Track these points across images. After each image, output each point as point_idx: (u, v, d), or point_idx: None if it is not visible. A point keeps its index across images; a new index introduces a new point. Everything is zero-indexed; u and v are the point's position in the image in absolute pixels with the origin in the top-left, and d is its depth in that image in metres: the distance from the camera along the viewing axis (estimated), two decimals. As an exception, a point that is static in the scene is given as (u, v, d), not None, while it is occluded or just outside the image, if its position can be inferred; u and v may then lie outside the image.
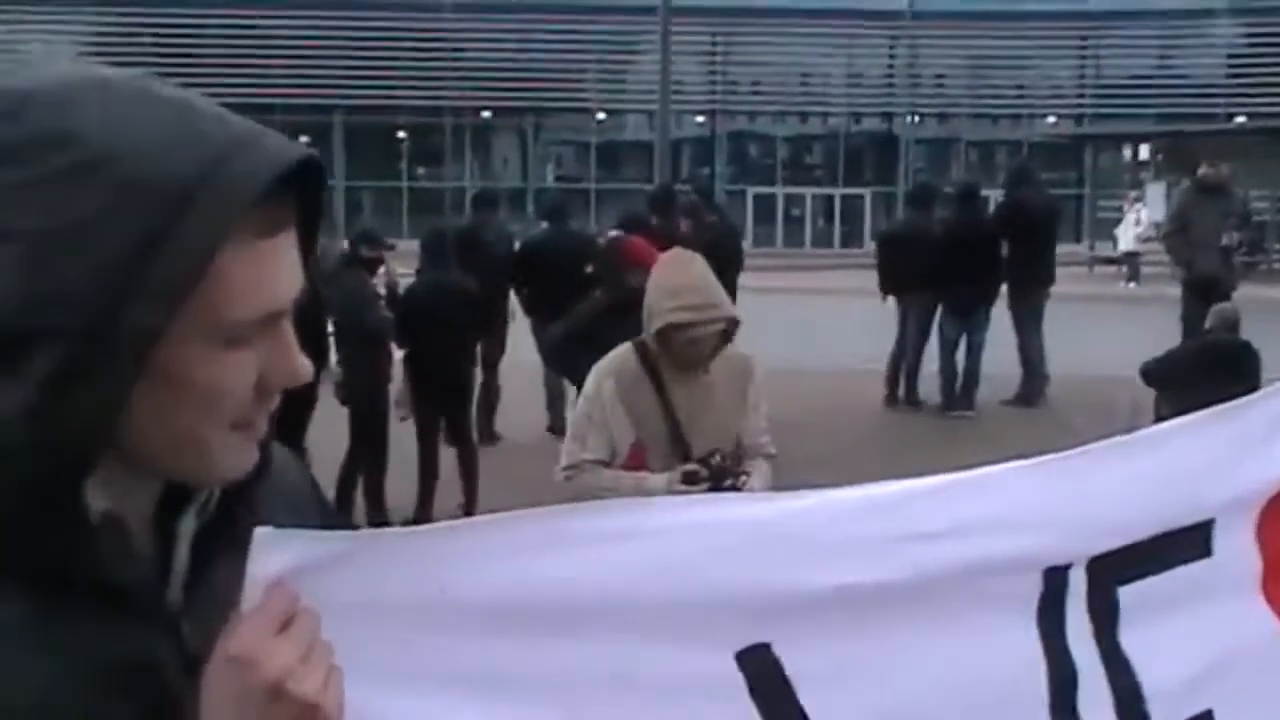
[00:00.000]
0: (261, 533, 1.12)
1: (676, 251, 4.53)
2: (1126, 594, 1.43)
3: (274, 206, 1.07)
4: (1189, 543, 1.44)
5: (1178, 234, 12.12)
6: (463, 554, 1.24)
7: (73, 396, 0.99)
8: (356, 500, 8.65)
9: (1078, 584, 1.41)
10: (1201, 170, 12.49)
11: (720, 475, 4.08)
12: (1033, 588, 1.40)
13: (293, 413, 7.36)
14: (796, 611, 1.34)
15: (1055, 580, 1.40)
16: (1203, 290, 11.23)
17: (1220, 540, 1.45)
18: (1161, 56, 47.53)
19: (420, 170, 49.83)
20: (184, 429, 1.08)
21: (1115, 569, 1.42)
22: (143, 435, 1.06)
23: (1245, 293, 12.35)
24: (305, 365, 1.13)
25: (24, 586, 1.04)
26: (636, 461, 4.24)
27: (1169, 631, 1.44)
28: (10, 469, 1.01)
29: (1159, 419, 9.00)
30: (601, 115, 48.87)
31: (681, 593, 1.31)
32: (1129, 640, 1.43)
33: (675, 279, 4.19)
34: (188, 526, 1.17)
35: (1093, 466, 1.43)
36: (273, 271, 1.08)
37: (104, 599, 1.07)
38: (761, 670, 1.34)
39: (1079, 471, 1.42)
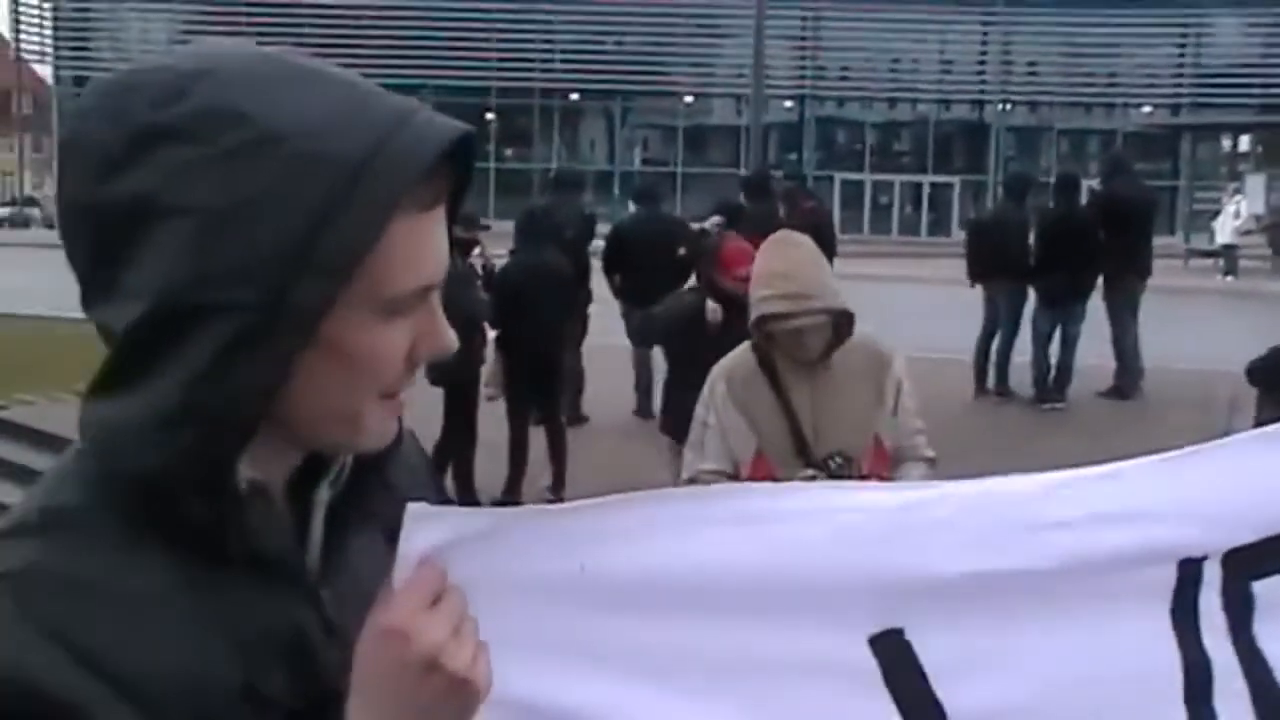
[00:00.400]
0: (414, 508, 1.15)
1: (783, 234, 4.15)
2: (1261, 589, 1.40)
3: (433, 181, 1.08)
4: None
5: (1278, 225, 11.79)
6: (602, 533, 1.25)
7: (240, 367, 1.01)
8: (446, 481, 8.73)
9: (1212, 577, 1.38)
10: None
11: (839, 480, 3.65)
12: (1167, 579, 1.38)
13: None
14: (929, 598, 1.33)
15: (1190, 572, 1.38)
16: None
17: None
18: (1264, 44, 46.52)
19: (508, 151, 50.08)
20: (340, 397, 1.10)
21: (1250, 563, 1.39)
22: (300, 404, 1.08)
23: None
24: (453, 337, 1.15)
25: (175, 554, 1.06)
26: (762, 474, 3.81)
27: None
28: (171, 436, 1.03)
29: (1260, 419, 8.86)
30: (689, 99, 48.79)
31: (814, 576, 1.31)
32: (1265, 635, 1.41)
33: (773, 264, 3.91)
34: (323, 496, 1.19)
35: (1229, 460, 1.41)
36: (432, 245, 1.11)
37: (252, 568, 1.09)
38: (895, 656, 1.34)
39: (1215, 464, 1.40)
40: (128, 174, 1.02)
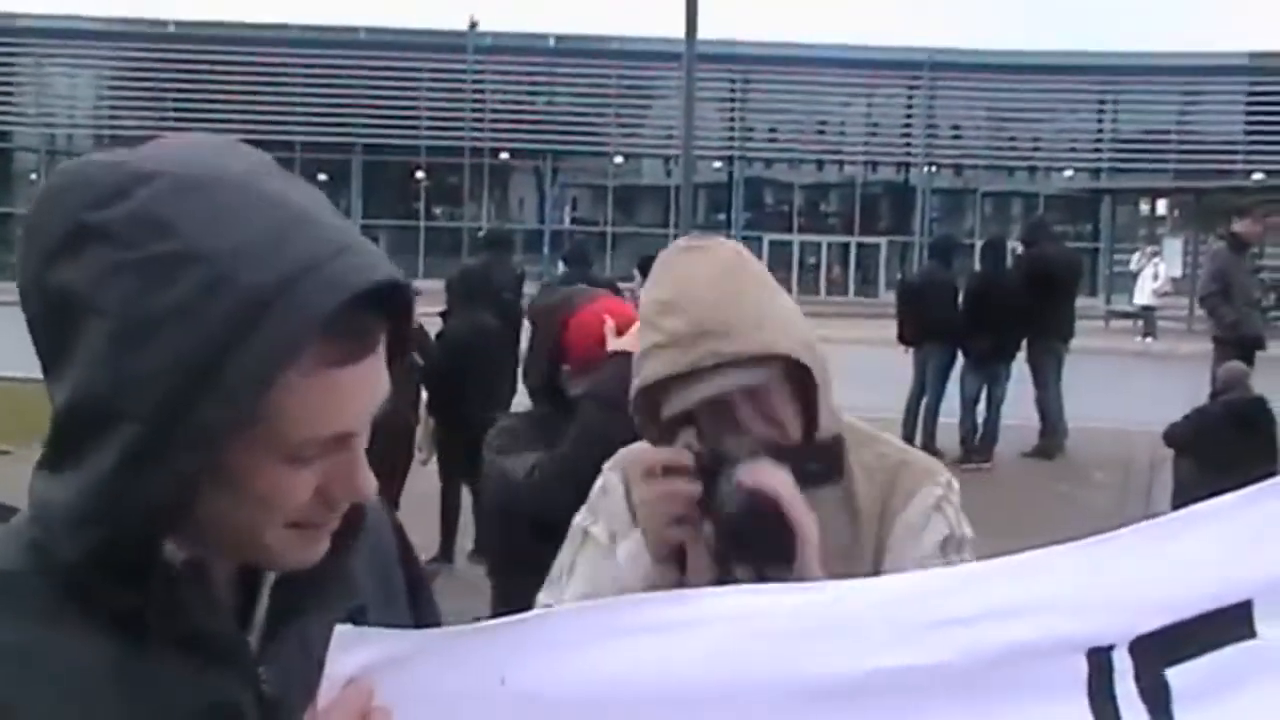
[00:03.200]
0: (340, 631, 1.17)
1: (684, 241, 2.12)
2: (1175, 675, 1.41)
3: (354, 333, 1.07)
4: (1232, 622, 1.42)
5: (1220, 295, 11.93)
6: (524, 646, 1.29)
7: (139, 480, 1.02)
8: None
9: (1123, 665, 1.39)
10: (1236, 227, 12.40)
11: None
12: (1078, 670, 1.39)
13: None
14: (843, 697, 1.34)
15: (1100, 661, 1.39)
16: (1246, 348, 11.13)
17: (1262, 622, 1.42)
18: (1180, 112, 47.61)
19: (437, 210, 50.03)
20: (243, 526, 1.10)
21: (1161, 650, 1.40)
22: (209, 523, 1.09)
23: (1269, 350, 12.32)
24: (370, 484, 1.15)
25: (111, 633, 1.06)
26: None
27: (1224, 715, 1.41)
28: (86, 531, 1.04)
29: (1179, 478, 9.01)
30: (619, 159, 49.07)
31: (733, 681, 1.34)
32: None
33: (657, 291, 1.98)
34: (269, 575, 1.20)
35: (1132, 546, 1.43)
36: (346, 399, 1.09)
37: (185, 647, 1.09)
38: None
39: (1118, 551, 1.42)
40: (63, 266, 1.03)
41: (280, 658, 1.17)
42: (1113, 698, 1.38)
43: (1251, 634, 1.42)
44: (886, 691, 1.34)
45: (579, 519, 2.15)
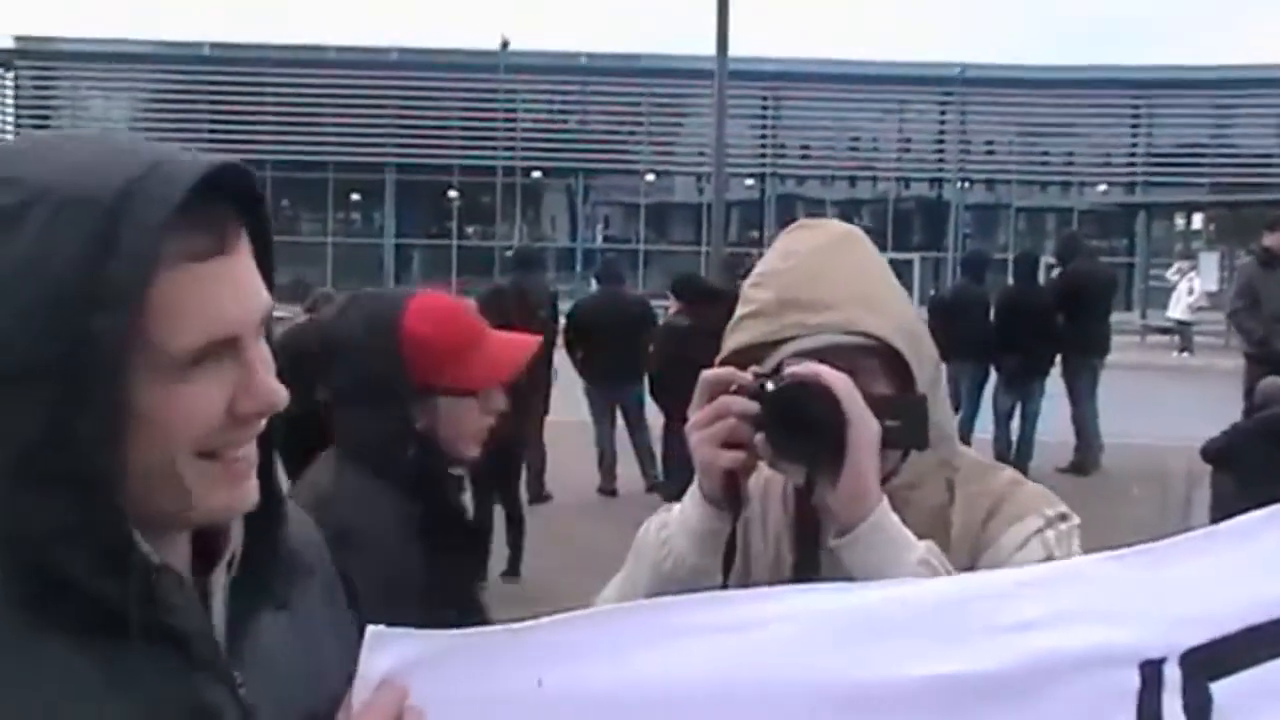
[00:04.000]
0: (373, 631, 1.18)
1: (803, 220, 2.11)
2: (1220, 690, 1.39)
3: (209, 225, 1.08)
4: (1273, 638, 1.40)
5: (1247, 310, 11.85)
6: (560, 649, 1.28)
7: (74, 423, 1.01)
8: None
9: (1173, 679, 1.38)
10: (1266, 240, 12.28)
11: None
12: (1130, 682, 1.37)
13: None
14: (889, 703, 1.33)
15: (1151, 674, 1.38)
16: (1275, 362, 11.02)
17: None
18: (1215, 125, 47.34)
19: (470, 229, 50.20)
20: (157, 463, 1.08)
21: (1207, 663, 1.39)
22: (133, 478, 1.07)
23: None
24: (279, 389, 1.13)
25: (92, 634, 1.06)
26: None
27: None
28: (59, 511, 1.03)
29: (1217, 493, 8.94)
30: (651, 177, 49.14)
31: (777, 686, 1.32)
32: None
33: (769, 261, 1.97)
34: (220, 580, 1.19)
35: (1183, 556, 1.41)
36: (219, 296, 1.08)
37: (169, 646, 1.09)
38: None
39: (1169, 561, 1.41)
40: None
41: (249, 657, 1.17)
42: (1158, 712, 1.37)
43: None
44: (935, 699, 1.33)
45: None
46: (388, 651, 1.18)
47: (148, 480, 1.09)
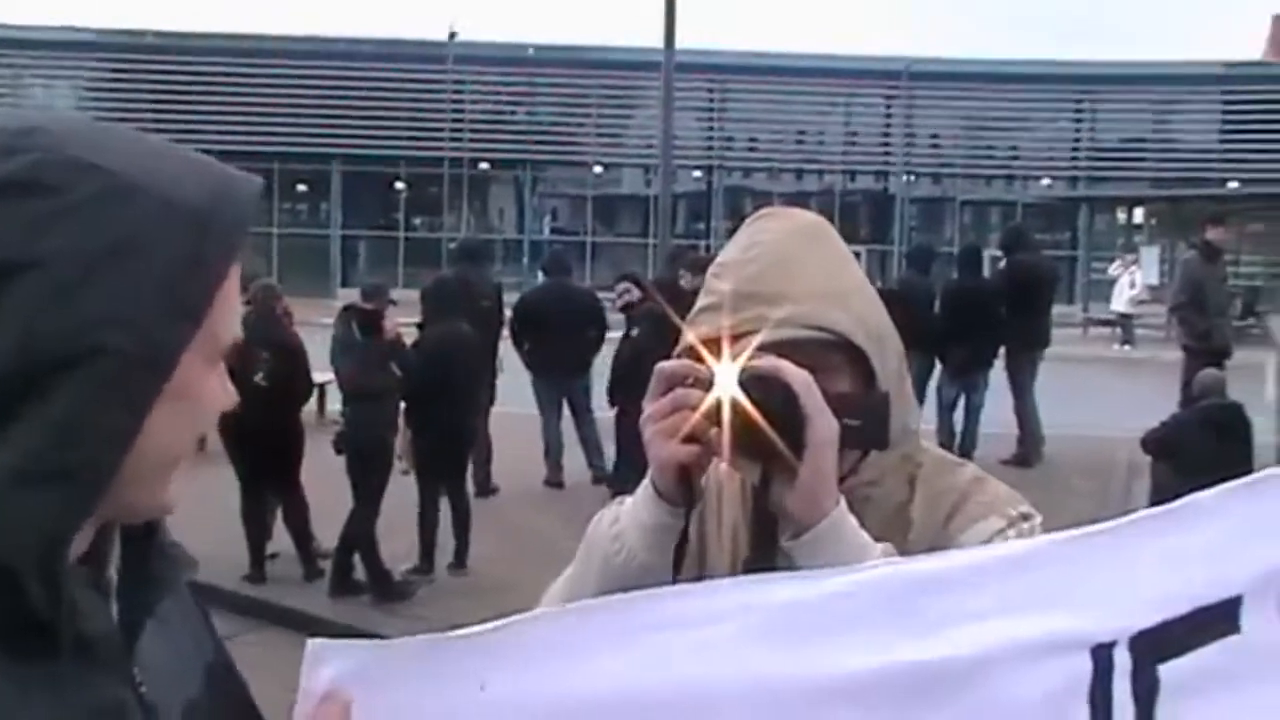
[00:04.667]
0: (314, 644, 1.20)
1: (768, 209, 2.05)
2: (1166, 672, 1.39)
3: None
4: (1221, 617, 1.40)
5: (1190, 303, 12.03)
6: (504, 652, 1.27)
7: (101, 414, 1.02)
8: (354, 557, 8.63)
9: (1123, 662, 1.38)
10: (1208, 235, 12.46)
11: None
12: (1083, 668, 1.37)
13: (282, 457, 7.19)
14: (842, 696, 1.32)
15: (1103, 659, 1.37)
16: (1215, 356, 11.20)
17: (1247, 618, 1.40)
18: (1156, 121, 47.84)
19: (417, 221, 49.95)
20: (177, 447, 1.11)
21: (1156, 646, 1.38)
22: (140, 454, 1.07)
23: (1238, 357, 12.39)
24: (235, 394, 1.19)
25: (5, 640, 1.03)
26: None
27: (1202, 712, 1.40)
28: (29, 496, 1.00)
29: (1156, 483, 9.07)
30: (598, 169, 49.09)
31: (725, 682, 1.30)
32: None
33: (728, 251, 1.88)
34: (112, 576, 1.18)
35: (1131, 539, 1.41)
36: (238, 296, 1.16)
37: (78, 652, 1.07)
38: None
39: (1122, 543, 1.40)
40: None
41: (147, 657, 1.16)
42: (1109, 696, 1.37)
43: (1235, 629, 1.40)
44: (888, 690, 1.32)
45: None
46: (329, 664, 1.19)
47: (155, 470, 1.10)
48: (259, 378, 8.32)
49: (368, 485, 8.43)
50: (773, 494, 1.59)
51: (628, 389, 8.25)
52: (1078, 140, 48.53)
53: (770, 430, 1.53)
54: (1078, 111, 48.28)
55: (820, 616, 1.33)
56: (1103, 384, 19.70)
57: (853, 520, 1.59)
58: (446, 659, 1.26)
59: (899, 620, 1.34)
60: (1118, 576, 1.39)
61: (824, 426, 1.55)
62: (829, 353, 1.71)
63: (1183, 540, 1.40)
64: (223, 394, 1.16)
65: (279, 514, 9.20)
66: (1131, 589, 1.39)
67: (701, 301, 1.80)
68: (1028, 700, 1.35)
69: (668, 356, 1.66)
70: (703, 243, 40.60)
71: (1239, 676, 1.40)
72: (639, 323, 10.23)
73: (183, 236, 1.05)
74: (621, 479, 6.87)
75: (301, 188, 48.94)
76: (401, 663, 1.23)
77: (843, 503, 1.59)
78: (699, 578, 1.73)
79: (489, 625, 1.28)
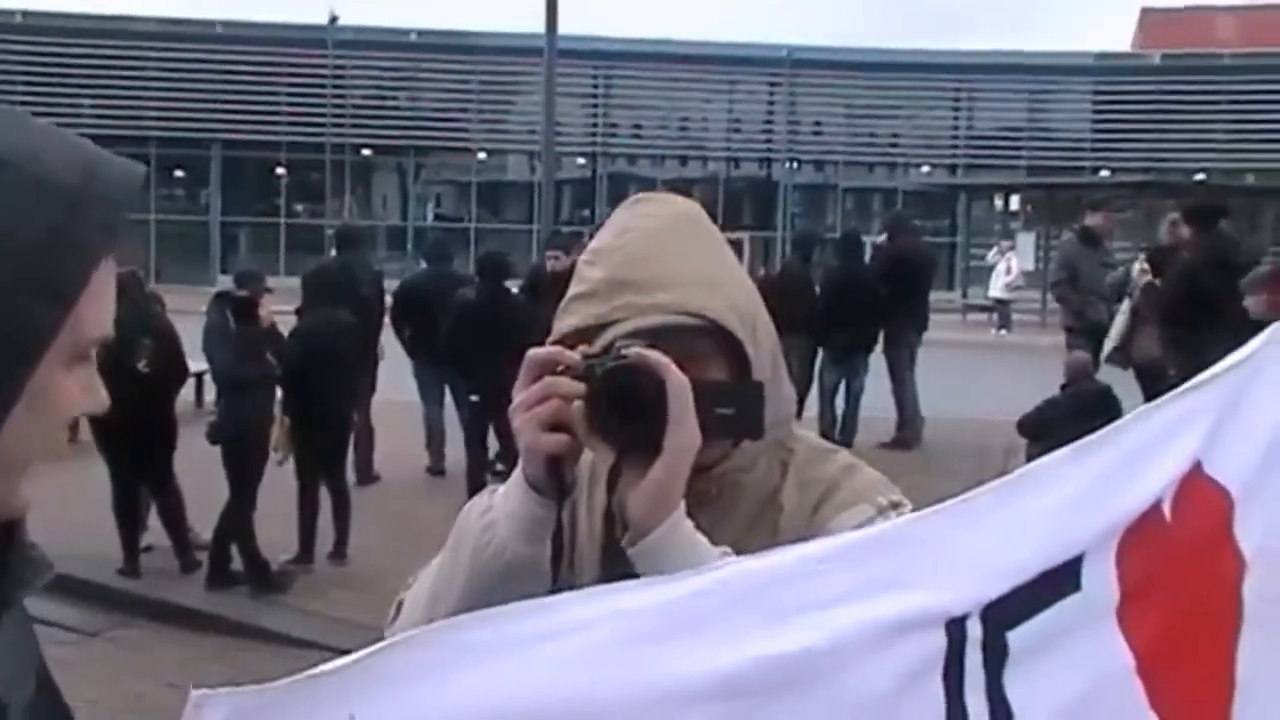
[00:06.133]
0: (195, 696, 1.20)
1: (642, 195, 2.04)
2: (1014, 638, 1.41)
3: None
4: (1063, 578, 1.43)
5: (1067, 283, 12.37)
6: (372, 680, 1.27)
7: None
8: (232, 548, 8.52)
9: (975, 634, 1.39)
10: (1088, 220, 12.82)
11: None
12: (939, 644, 1.38)
13: (156, 448, 7.06)
14: (704, 696, 1.32)
15: (956, 632, 1.39)
16: (1092, 337, 11.49)
17: (1087, 573, 1.43)
18: (1030, 110, 48.75)
19: (299, 207, 49.26)
20: (27, 448, 1.07)
21: (1005, 613, 1.40)
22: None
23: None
24: (106, 395, 1.14)
25: None
26: None
27: (1044, 672, 1.42)
28: None
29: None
30: (482, 155, 48.80)
31: (593, 688, 1.31)
32: (1012, 686, 1.41)
33: (599, 239, 1.89)
34: None
35: (985, 509, 1.42)
36: (110, 291, 1.10)
37: None
38: None
39: (972, 515, 1.41)
40: None
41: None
42: (961, 671, 1.39)
43: (1076, 587, 1.43)
44: (749, 685, 1.33)
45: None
46: (212, 714, 1.19)
47: (14, 466, 1.07)
48: (141, 365, 8.18)
49: (243, 475, 8.33)
50: (620, 486, 1.57)
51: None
52: (956, 129, 49.28)
53: (632, 421, 1.51)
54: (956, 101, 49.01)
55: (674, 619, 1.33)
56: (981, 368, 20.06)
57: (688, 528, 1.56)
58: (323, 693, 1.26)
59: (757, 614, 1.34)
60: (968, 549, 1.40)
61: (685, 435, 1.53)
62: (701, 340, 1.69)
63: (1031, 505, 1.42)
64: (86, 397, 1.10)
65: (153, 506, 9.04)
66: (982, 560, 1.40)
67: (574, 289, 1.78)
68: (885, 681, 1.36)
69: (540, 344, 1.64)
70: (587, 229, 40.54)
71: (1075, 630, 1.43)
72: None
73: (51, 214, 1.00)
74: (509, 466, 6.87)
75: (180, 173, 48.01)
76: (282, 704, 1.24)
77: (681, 508, 1.56)
78: (572, 569, 1.73)
79: (357, 655, 1.28)
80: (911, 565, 1.39)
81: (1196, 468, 1.47)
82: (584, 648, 1.30)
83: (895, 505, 1.74)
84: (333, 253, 13.25)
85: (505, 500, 1.63)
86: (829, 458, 1.85)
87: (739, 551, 1.56)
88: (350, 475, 9.54)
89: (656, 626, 1.33)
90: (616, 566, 1.63)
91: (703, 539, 1.56)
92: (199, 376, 11.97)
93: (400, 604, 1.81)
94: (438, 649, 1.30)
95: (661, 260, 1.73)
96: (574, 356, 1.57)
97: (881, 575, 1.37)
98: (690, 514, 1.57)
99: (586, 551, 1.79)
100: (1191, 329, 9.08)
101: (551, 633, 1.31)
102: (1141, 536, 1.44)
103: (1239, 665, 1.46)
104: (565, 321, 1.74)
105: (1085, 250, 12.50)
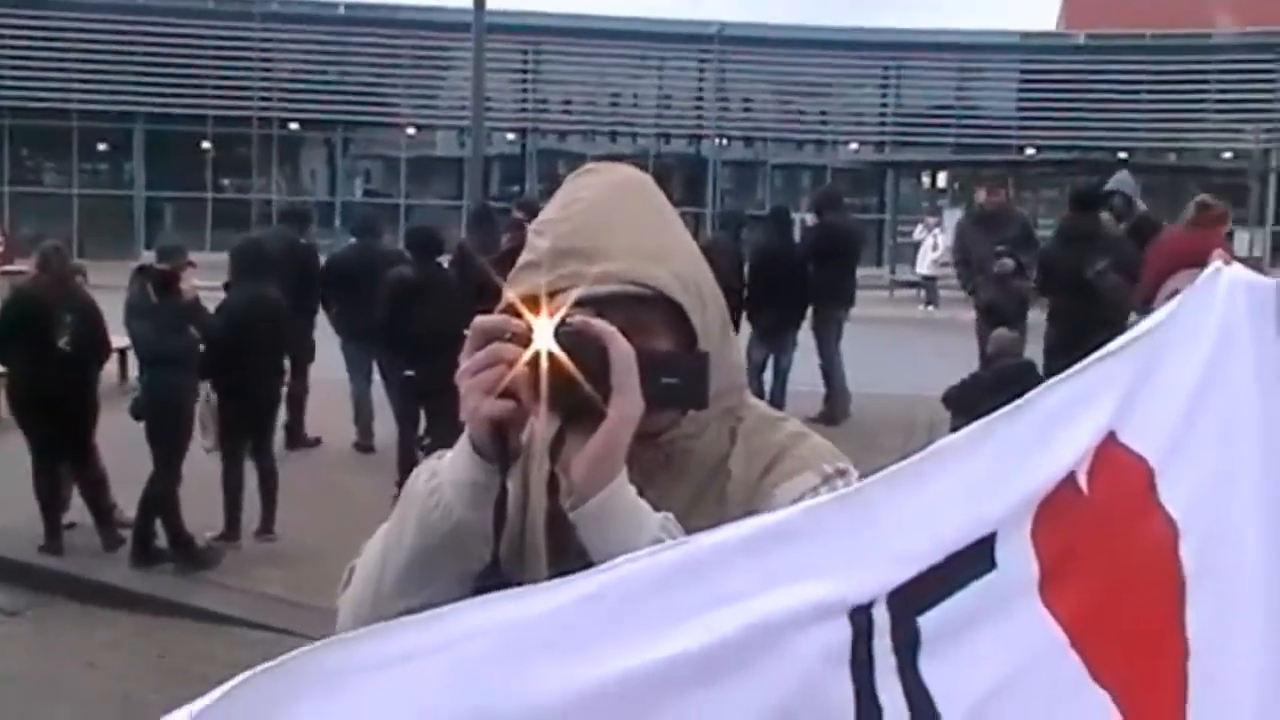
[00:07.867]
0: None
1: (589, 165, 2.00)
2: (926, 622, 1.37)
3: None
4: (975, 558, 1.39)
5: (961, 262, 12.61)
6: (304, 683, 1.25)
7: None
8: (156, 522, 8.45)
9: (882, 621, 1.36)
10: (979, 198, 13.02)
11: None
12: (843, 634, 1.35)
13: (77, 425, 7.02)
14: (613, 699, 1.30)
15: (861, 621, 1.36)
16: (991, 315, 11.67)
17: (1002, 551, 1.40)
18: (957, 88, 49.14)
19: (225, 182, 48.66)
20: None
21: (914, 599, 1.37)
22: None
23: (1036, 317, 12.85)
24: None
25: None
26: None
27: (963, 655, 1.38)
28: None
29: (954, 438, 9.43)
30: (411, 130, 48.43)
31: (483, 710, 1.28)
32: (929, 671, 1.37)
33: (547, 210, 1.88)
34: None
35: (893, 491, 1.39)
36: None
37: None
38: None
39: (880, 498, 1.39)
40: None
41: None
42: (870, 660, 1.36)
43: (991, 566, 1.40)
44: (666, 682, 1.30)
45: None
46: None
47: None
48: (63, 343, 8.09)
49: (166, 451, 8.26)
50: (564, 452, 1.60)
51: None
52: (884, 106, 49.55)
53: (576, 389, 1.53)
54: (884, 78, 49.28)
55: (567, 627, 1.31)
56: (908, 344, 20.25)
57: (630, 494, 1.59)
58: (258, 695, 1.24)
59: (647, 618, 1.31)
60: (879, 533, 1.38)
61: (628, 402, 1.55)
62: (647, 309, 1.71)
63: (939, 486, 1.40)
64: None
65: (76, 483, 8.95)
66: (892, 544, 1.38)
67: (522, 259, 1.79)
68: (789, 678, 1.33)
69: (485, 313, 1.64)
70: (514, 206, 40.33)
71: (995, 611, 1.40)
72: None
73: None
74: (436, 442, 6.86)
75: (103, 147, 47.24)
76: (225, 710, 1.23)
77: (623, 474, 1.58)
78: (520, 536, 1.75)
79: (292, 654, 1.26)
80: (813, 554, 1.36)
81: (1110, 437, 1.44)
82: (481, 663, 1.27)
83: (841, 473, 1.76)
84: (273, 227, 13.24)
85: (451, 466, 1.65)
86: (778, 425, 1.87)
87: (688, 517, 1.59)
88: (275, 448, 9.46)
89: (537, 639, 1.30)
90: (560, 532, 1.66)
91: (644, 504, 1.59)
92: (122, 352, 11.84)
93: (351, 570, 1.82)
94: (305, 676, 1.26)
95: (607, 229, 1.74)
96: (520, 324, 1.57)
97: (783, 566, 1.35)
98: (639, 481, 1.60)
99: (534, 524, 1.80)
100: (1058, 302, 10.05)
101: (442, 645, 1.28)
102: (1058, 510, 1.41)
103: (1189, 627, 1.41)
104: (513, 290, 1.73)
105: (975, 228, 12.68)
